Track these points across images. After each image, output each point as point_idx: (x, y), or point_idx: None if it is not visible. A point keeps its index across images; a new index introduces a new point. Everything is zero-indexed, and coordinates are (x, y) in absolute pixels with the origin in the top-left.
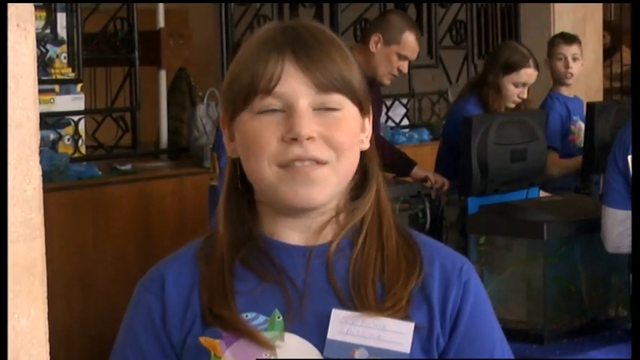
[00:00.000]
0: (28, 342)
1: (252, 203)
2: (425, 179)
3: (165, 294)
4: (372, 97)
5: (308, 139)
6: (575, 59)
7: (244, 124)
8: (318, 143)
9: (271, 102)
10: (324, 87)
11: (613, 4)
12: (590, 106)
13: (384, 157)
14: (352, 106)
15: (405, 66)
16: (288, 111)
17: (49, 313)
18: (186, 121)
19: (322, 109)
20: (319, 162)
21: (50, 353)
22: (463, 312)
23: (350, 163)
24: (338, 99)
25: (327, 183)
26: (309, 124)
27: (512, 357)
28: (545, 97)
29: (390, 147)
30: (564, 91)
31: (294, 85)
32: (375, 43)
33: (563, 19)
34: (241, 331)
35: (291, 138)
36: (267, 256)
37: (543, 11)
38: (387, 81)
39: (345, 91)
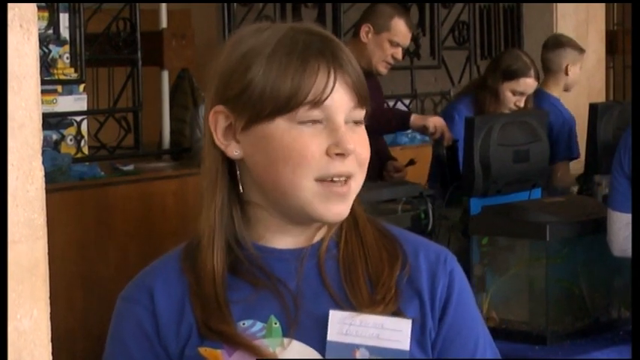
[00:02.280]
0: (30, 342)
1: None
2: (424, 127)
3: (156, 305)
4: (371, 88)
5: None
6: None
7: (281, 132)
8: (351, 158)
9: (316, 114)
10: (361, 102)
11: (615, 5)
12: (593, 106)
13: (383, 123)
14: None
15: (398, 53)
16: (329, 124)
17: (51, 314)
18: (189, 121)
19: (352, 124)
20: (350, 177)
21: (52, 354)
22: (450, 302)
23: (364, 176)
24: (363, 113)
25: (352, 197)
26: (352, 140)
27: (495, 347)
28: (545, 103)
29: (382, 112)
30: (556, 92)
31: (339, 98)
32: (365, 34)
33: (566, 20)
34: (241, 345)
35: (338, 153)
36: (257, 264)
37: (546, 12)
38: (383, 69)
39: (366, 103)
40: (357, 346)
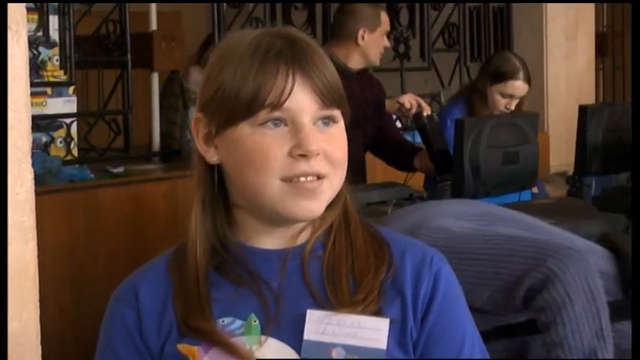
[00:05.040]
0: (19, 345)
1: (227, 209)
2: (400, 104)
3: (140, 303)
4: (368, 84)
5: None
6: None
7: (245, 136)
8: (319, 158)
9: (278, 116)
10: (327, 102)
11: (605, 7)
12: (582, 108)
13: (360, 115)
14: (341, 119)
15: (387, 41)
16: (293, 126)
17: (40, 316)
18: (179, 123)
19: (321, 124)
20: (320, 177)
21: (42, 356)
22: (434, 302)
23: (342, 177)
24: (335, 113)
25: (325, 196)
26: (316, 141)
27: (483, 348)
28: None
29: (357, 104)
30: None
31: (301, 100)
32: (362, 37)
33: (556, 21)
34: (218, 343)
35: (300, 154)
36: (242, 264)
37: (536, 14)
38: (377, 62)
39: (340, 104)
40: (334, 345)
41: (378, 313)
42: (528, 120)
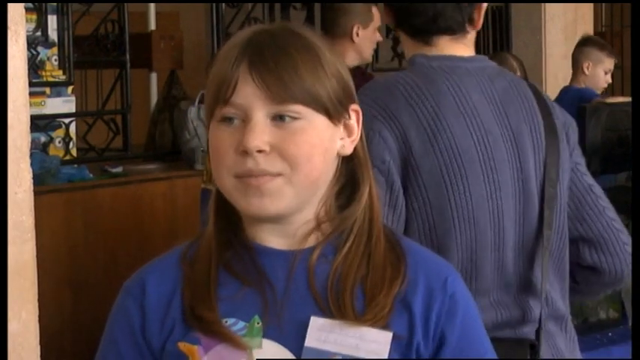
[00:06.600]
0: (18, 345)
1: None
2: None
3: (146, 299)
4: (362, 81)
5: (259, 152)
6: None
7: (210, 133)
8: (271, 156)
9: (230, 111)
10: (279, 97)
11: (604, 6)
12: (581, 108)
13: None
14: (318, 116)
15: (379, 36)
16: (245, 121)
17: (39, 316)
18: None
19: (280, 120)
20: (271, 174)
21: (41, 356)
22: (452, 326)
23: (309, 174)
24: (297, 109)
25: (282, 194)
26: (260, 137)
27: None
28: (590, 94)
29: None
30: None
31: (249, 95)
32: (356, 33)
33: (555, 21)
34: (220, 334)
35: (242, 150)
36: (251, 260)
37: (534, 13)
38: (370, 58)
39: (307, 101)
40: (334, 355)
41: (383, 326)
42: None
